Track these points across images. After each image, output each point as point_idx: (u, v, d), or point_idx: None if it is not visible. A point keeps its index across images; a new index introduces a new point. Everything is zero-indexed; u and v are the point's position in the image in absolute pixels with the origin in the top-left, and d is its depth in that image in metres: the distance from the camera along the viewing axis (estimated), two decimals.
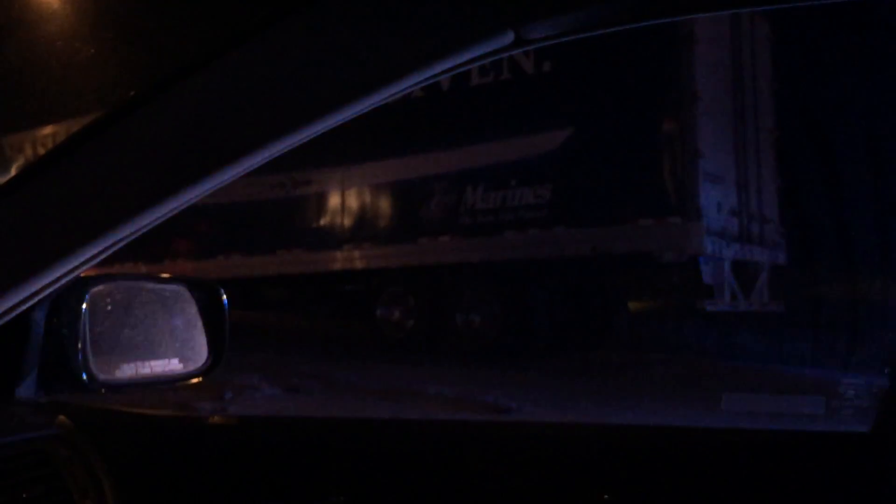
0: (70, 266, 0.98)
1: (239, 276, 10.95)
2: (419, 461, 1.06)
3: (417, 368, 8.41)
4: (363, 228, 10.15)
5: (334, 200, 10.34)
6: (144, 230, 0.99)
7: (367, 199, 10.18)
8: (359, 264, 10.23)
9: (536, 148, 8.92)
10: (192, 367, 1.24)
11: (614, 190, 8.58)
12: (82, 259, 0.98)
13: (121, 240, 0.98)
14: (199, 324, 1.25)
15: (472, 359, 9.18)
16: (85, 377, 1.06)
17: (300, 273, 10.63)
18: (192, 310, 1.25)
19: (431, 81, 0.91)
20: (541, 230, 8.99)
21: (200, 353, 1.25)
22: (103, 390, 1.09)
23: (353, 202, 10.25)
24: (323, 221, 10.42)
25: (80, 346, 1.06)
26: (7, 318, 1.02)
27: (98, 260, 1.01)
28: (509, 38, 0.83)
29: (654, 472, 1.01)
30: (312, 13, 0.87)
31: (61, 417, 1.01)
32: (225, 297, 1.27)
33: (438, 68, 0.87)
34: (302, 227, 10.49)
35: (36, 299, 1.02)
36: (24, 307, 1.02)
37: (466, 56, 0.86)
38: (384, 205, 10.09)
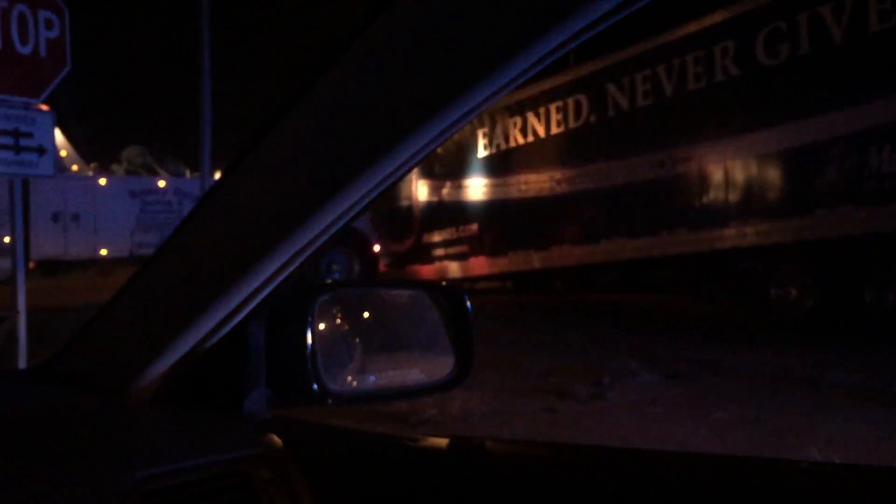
0: (268, 272, 0.95)
1: (623, 258, 10.89)
2: None
3: (817, 353, 7.60)
4: (751, 203, 9.44)
5: (718, 175, 9.76)
6: (328, 234, 0.93)
7: (754, 170, 9.45)
8: (748, 241, 9.54)
9: None
10: (436, 377, 1.16)
11: None
12: (276, 266, 0.94)
13: (308, 244, 0.93)
14: (443, 331, 1.16)
15: (885, 343, 8.09)
16: (316, 388, 1.03)
17: (685, 253, 10.24)
18: (434, 316, 1.17)
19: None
20: None
21: (445, 362, 1.16)
22: (330, 401, 1.04)
23: (738, 175, 9.59)
24: (706, 198, 9.90)
25: (308, 356, 1.03)
26: (223, 332, 1.02)
27: (289, 271, 0.97)
28: None
29: None
30: None
31: (270, 436, 0.98)
32: (468, 301, 1.16)
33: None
34: (685, 206, 10.08)
35: (248, 308, 1.00)
36: (237, 319, 1.01)
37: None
38: (773, 176, 9.29)
